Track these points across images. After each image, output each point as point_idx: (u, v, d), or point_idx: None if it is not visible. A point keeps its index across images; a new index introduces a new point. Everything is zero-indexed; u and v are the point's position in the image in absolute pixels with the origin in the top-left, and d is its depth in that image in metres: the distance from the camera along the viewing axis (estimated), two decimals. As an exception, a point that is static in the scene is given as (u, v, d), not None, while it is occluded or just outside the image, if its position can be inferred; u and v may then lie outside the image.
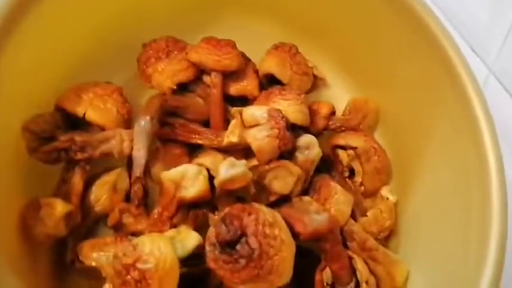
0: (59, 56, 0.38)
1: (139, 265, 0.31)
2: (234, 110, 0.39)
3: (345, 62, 0.48)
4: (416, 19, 0.39)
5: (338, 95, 0.48)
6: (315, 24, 0.46)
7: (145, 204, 0.39)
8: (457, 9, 0.57)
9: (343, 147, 0.43)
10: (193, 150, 0.42)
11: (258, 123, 0.38)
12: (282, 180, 0.38)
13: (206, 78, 0.42)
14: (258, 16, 0.46)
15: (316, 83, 0.47)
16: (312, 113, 0.43)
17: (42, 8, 0.34)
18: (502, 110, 0.49)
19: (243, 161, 0.36)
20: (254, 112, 0.38)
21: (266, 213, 0.35)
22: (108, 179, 0.38)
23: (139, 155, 0.36)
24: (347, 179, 0.44)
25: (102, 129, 0.37)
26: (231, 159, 0.35)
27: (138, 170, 0.36)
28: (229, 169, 0.35)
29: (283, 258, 0.34)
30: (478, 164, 0.38)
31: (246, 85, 0.42)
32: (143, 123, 0.37)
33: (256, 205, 0.36)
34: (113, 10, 0.40)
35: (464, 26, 0.56)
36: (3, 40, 0.32)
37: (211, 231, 0.35)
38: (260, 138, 0.36)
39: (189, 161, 0.40)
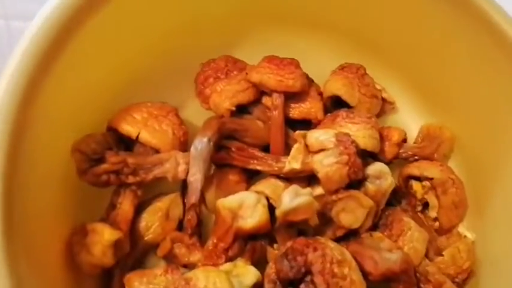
0: (111, 74, 0.36)
1: (192, 303, 0.28)
2: (297, 133, 0.35)
3: (415, 84, 0.44)
4: (498, 33, 0.35)
5: (409, 120, 0.44)
6: (382, 42, 0.43)
7: (199, 233, 0.36)
8: None
9: (417, 178, 0.39)
10: (250, 177, 0.38)
11: (324, 148, 0.34)
12: (350, 213, 0.34)
13: (266, 100, 0.39)
14: (320, 36, 0.43)
15: (384, 106, 0.43)
16: (382, 139, 0.39)
17: (95, 26, 0.32)
18: None
19: (309, 189, 0.32)
20: (320, 136, 0.35)
21: (333, 249, 0.31)
22: (160, 205, 0.35)
23: (195, 180, 0.33)
24: (420, 214, 0.40)
25: (156, 151, 0.35)
26: (295, 187, 0.32)
27: (193, 197, 0.33)
28: (293, 198, 0.31)
29: (353, 302, 0.30)
30: None
31: (310, 108, 0.39)
32: (200, 147, 0.34)
33: (322, 239, 0.32)
34: (169, 28, 0.38)
35: None
36: (55, 59, 0.30)
37: (271, 267, 0.32)
38: (328, 165, 0.33)
39: (247, 188, 0.36)
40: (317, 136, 0.35)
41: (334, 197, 0.34)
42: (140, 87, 0.38)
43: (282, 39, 0.42)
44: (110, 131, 0.35)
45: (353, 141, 0.34)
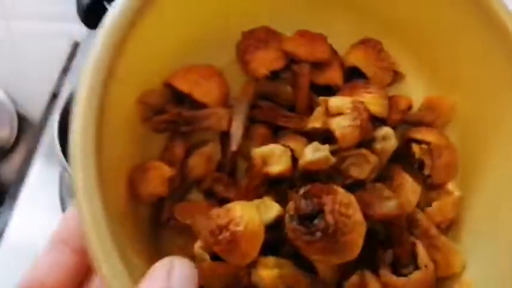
0: (168, 42, 0.43)
1: (231, 227, 0.37)
2: (320, 98, 0.43)
3: (424, 60, 0.50)
4: (497, 27, 0.42)
5: (415, 91, 0.51)
6: (396, 20, 0.49)
7: (235, 175, 0.44)
8: None
9: (417, 141, 0.46)
10: (276, 131, 0.46)
11: (342, 113, 0.42)
12: (359, 167, 0.42)
13: (295, 67, 0.46)
14: (342, 12, 0.49)
15: (395, 78, 0.50)
16: (390, 106, 0.47)
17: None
18: None
19: (327, 146, 0.40)
20: (339, 102, 0.42)
21: (343, 194, 0.39)
22: (205, 149, 0.43)
23: (237, 132, 0.41)
24: (416, 170, 0.47)
25: (204, 106, 0.42)
26: (316, 143, 0.40)
27: (234, 145, 0.41)
28: (314, 152, 0.39)
29: (355, 237, 0.38)
30: None
31: (332, 76, 0.46)
32: (242, 105, 0.42)
33: (334, 186, 0.40)
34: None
35: None
36: (129, 30, 0.37)
37: (291, 205, 0.40)
38: (343, 126, 0.40)
39: (274, 141, 0.44)
40: (336, 102, 0.42)
41: (346, 153, 0.42)
42: (190, 53, 0.45)
43: (310, 15, 0.49)
44: (167, 87, 0.43)
45: (366, 108, 0.41)
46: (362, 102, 0.41)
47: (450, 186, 0.47)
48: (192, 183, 0.43)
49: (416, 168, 0.48)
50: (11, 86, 0.76)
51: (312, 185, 0.40)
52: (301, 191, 0.40)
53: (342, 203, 0.38)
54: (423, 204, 0.46)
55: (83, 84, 0.35)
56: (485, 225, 0.45)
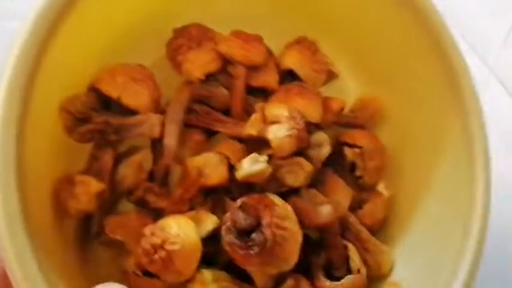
0: (92, 41, 0.39)
1: (167, 246, 0.35)
2: (257, 106, 0.41)
3: (356, 58, 0.50)
4: (425, 24, 0.42)
5: (348, 89, 0.51)
6: (330, 18, 0.48)
7: (167, 183, 0.42)
8: (457, 7, 0.59)
9: (349, 145, 0.47)
10: (210, 136, 0.45)
11: (278, 121, 0.41)
12: (294, 175, 0.41)
13: (231, 69, 0.44)
14: (278, 8, 0.48)
15: (328, 77, 0.50)
16: (323, 108, 0.46)
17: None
18: (502, 110, 0.52)
19: (265, 157, 0.39)
20: (276, 111, 0.41)
21: (280, 205, 0.39)
22: (135, 158, 0.40)
23: (171, 143, 0.39)
24: (348, 173, 0.48)
25: (134, 112, 0.40)
26: (254, 155, 0.39)
27: (169, 157, 0.39)
28: (252, 165, 0.38)
29: (292, 248, 0.38)
30: (466, 171, 0.42)
31: (267, 78, 0.45)
32: (176, 112, 0.39)
33: (270, 197, 0.39)
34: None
35: (465, 25, 0.58)
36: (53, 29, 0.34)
37: (228, 217, 0.39)
38: (280, 137, 0.39)
39: (209, 148, 0.43)
40: (273, 110, 0.41)
41: (281, 162, 0.41)
42: (117, 49, 0.42)
43: (244, 11, 0.47)
44: (92, 91, 0.40)
45: (302, 117, 0.41)
46: (299, 112, 0.40)
47: (380, 187, 0.48)
48: (122, 194, 0.41)
49: (347, 170, 0.48)
50: None
51: (248, 197, 0.39)
52: (238, 202, 0.39)
53: (279, 216, 0.38)
54: (354, 204, 0.47)
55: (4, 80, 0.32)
56: (413, 224, 0.46)
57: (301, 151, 0.42)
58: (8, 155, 0.32)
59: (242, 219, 0.38)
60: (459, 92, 0.42)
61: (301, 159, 0.41)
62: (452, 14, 0.58)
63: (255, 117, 0.41)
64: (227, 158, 0.41)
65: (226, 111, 0.45)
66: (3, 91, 0.32)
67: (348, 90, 0.51)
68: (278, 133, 0.40)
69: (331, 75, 0.49)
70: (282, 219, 0.38)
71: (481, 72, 0.56)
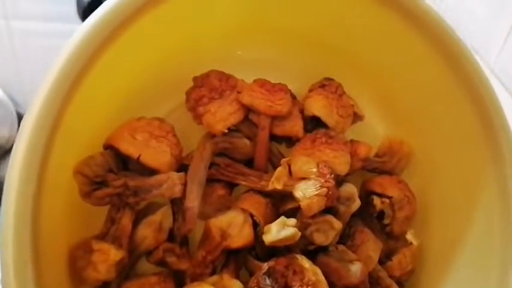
0: (110, 96, 0.37)
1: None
2: (283, 160, 0.39)
3: (382, 98, 0.48)
4: (456, 65, 0.40)
5: (374, 130, 0.49)
6: (355, 57, 0.46)
7: (187, 242, 0.40)
8: (457, 7, 0.57)
9: (378, 193, 0.44)
10: (233, 187, 0.42)
11: (306, 177, 0.38)
12: (323, 233, 0.39)
13: (253, 117, 0.41)
14: (297, 47, 0.45)
15: (354, 118, 0.47)
16: (351, 154, 0.44)
17: (109, 56, 0.33)
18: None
19: (294, 222, 0.37)
20: (303, 166, 0.39)
21: (309, 270, 0.37)
22: (154, 218, 0.38)
23: (193, 206, 0.37)
24: (376, 221, 0.46)
25: (154, 170, 0.37)
26: (283, 219, 0.36)
27: (191, 222, 0.37)
28: (280, 230, 0.36)
29: (323, 313, 0.36)
30: (501, 217, 0.40)
31: (292, 126, 0.42)
32: (198, 170, 0.37)
33: (299, 259, 0.37)
34: (168, 46, 0.39)
35: (465, 25, 0.56)
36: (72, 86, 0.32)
37: (254, 282, 0.37)
38: (309, 197, 0.37)
39: (231, 202, 0.40)
40: (300, 165, 0.39)
41: (310, 220, 0.39)
42: (135, 101, 0.39)
43: (265, 52, 0.44)
44: (108, 149, 0.37)
45: (332, 173, 0.38)
46: (328, 167, 0.38)
47: (409, 236, 0.46)
48: (141, 254, 0.39)
49: (375, 218, 0.46)
50: (11, 86, 0.75)
51: (276, 260, 0.37)
52: (265, 267, 0.37)
53: (309, 283, 0.36)
54: (382, 253, 0.45)
55: (19, 152, 0.30)
56: (442, 278, 0.44)
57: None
58: (23, 221, 0.31)
59: (270, 286, 0.35)
60: (495, 139, 0.40)
61: (331, 218, 0.39)
62: (453, 14, 0.56)
63: (280, 171, 0.39)
64: (251, 215, 0.39)
65: (249, 161, 0.42)
66: (22, 154, 0.30)
67: (373, 131, 0.49)
68: (307, 192, 0.37)
69: (356, 118, 0.47)
70: (313, 286, 0.36)
71: None
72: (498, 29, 0.52)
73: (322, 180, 0.38)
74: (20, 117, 0.79)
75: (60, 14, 0.72)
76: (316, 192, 0.37)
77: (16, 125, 0.78)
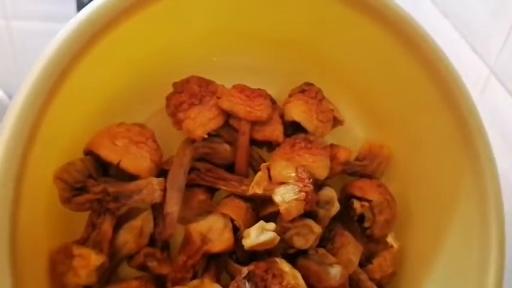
0: (89, 102, 0.37)
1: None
2: (262, 165, 0.40)
3: (361, 102, 0.48)
4: (433, 71, 0.40)
5: (354, 134, 0.49)
6: (334, 62, 0.46)
7: (168, 247, 0.40)
8: (458, 7, 0.57)
9: (358, 197, 0.45)
10: (212, 191, 0.43)
11: (285, 181, 0.39)
12: (303, 237, 0.40)
13: (233, 122, 0.42)
14: (277, 51, 0.46)
15: (334, 123, 0.48)
16: (331, 158, 0.44)
17: (87, 62, 0.33)
18: (503, 110, 0.51)
19: (272, 226, 0.37)
20: (282, 170, 0.39)
21: (289, 273, 0.37)
22: (135, 223, 0.38)
23: (173, 211, 0.37)
24: (356, 224, 0.46)
25: (134, 175, 0.38)
26: (262, 224, 0.37)
27: (172, 227, 0.37)
28: (259, 235, 0.36)
29: (301, 316, 0.36)
30: (479, 220, 0.41)
31: (272, 131, 0.43)
32: (177, 175, 0.37)
33: (278, 263, 0.38)
34: (147, 52, 0.39)
35: (465, 25, 0.56)
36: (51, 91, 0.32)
37: (233, 286, 0.37)
38: (288, 201, 0.37)
39: (212, 207, 0.41)
40: (279, 170, 0.39)
41: (289, 224, 0.39)
42: (114, 107, 0.40)
43: (246, 58, 0.45)
44: (88, 154, 0.37)
45: (311, 178, 0.39)
46: (307, 172, 0.38)
47: (389, 238, 0.46)
48: (122, 259, 0.39)
49: (355, 221, 0.46)
50: (11, 86, 0.74)
51: (255, 265, 0.37)
52: (245, 271, 0.37)
53: (288, 286, 0.36)
54: (362, 257, 0.45)
55: None
56: (423, 279, 0.45)
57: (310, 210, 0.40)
58: (1, 227, 0.31)
59: (249, 289, 0.36)
60: (472, 143, 0.41)
61: (311, 222, 0.39)
62: (453, 14, 0.57)
63: (260, 176, 0.40)
64: (232, 219, 0.39)
65: (229, 166, 0.43)
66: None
67: (353, 135, 0.49)
68: (285, 196, 0.38)
69: (336, 122, 0.47)
70: (292, 289, 0.36)
71: (481, 72, 0.54)
72: (498, 29, 0.52)
73: (301, 185, 0.38)
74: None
75: (60, 14, 0.72)
76: (295, 197, 0.38)
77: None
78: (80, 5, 0.70)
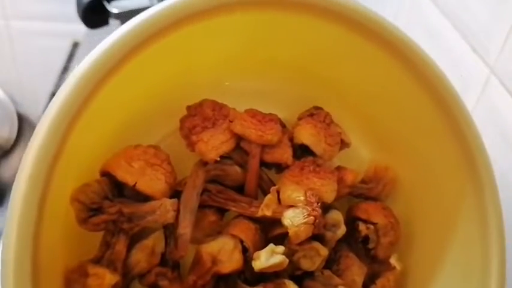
0: (110, 123, 0.39)
1: None
2: (272, 188, 0.41)
3: (368, 124, 0.50)
4: (438, 98, 0.42)
5: (360, 155, 0.50)
6: (342, 86, 0.47)
7: (179, 266, 0.41)
8: (458, 7, 0.58)
9: (363, 219, 0.46)
10: (222, 212, 0.44)
11: (294, 205, 0.40)
12: (309, 259, 0.41)
13: (244, 144, 0.43)
14: (286, 76, 0.47)
15: (341, 145, 0.49)
16: (337, 180, 0.46)
17: (108, 89, 0.35)
18: (503, 110, 0.52)
19: (282, 249, 0.38)
20: (291, 194, 0.40)
21: (297, 295, 0.38)
22: (147, 243, 0.40)
23: (186, 233, 0.38)
24: (361, 245, 0.47)
25: (149, 197, 0.39)
26: (272, 247, 0.38)
27: (183, 249, 0.38)
28: (269, 258, 0.37)
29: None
30: (480, 245, 0.42)
31: (281, 154, 0.44)
32: (190, 200, 0.39)
33: (286, 285, 0.39)
34: (163, 78, 0.40)
35: (465, 25, 0.57)
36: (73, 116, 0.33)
37: (242, 306, 0.38)
38: (297, 225, 0.38)
39: (222, 228, 0.42)
40: (289, 193, 0.40)
41: (297, 247, 0.40)
42: (130, 127, 0.41)
43: (256, 82, 0.46)
44: (104, 175, 0.39)
45: (319, 202, 0.40)
46: (316, 196, 0.40)
47: (392, 259, 0.47)
48: (134, 278, 0.40)
49: (360, 242, 0.47)
50: (11, 86, 0.76)
51: (264, 285, 0.38)
52: (253, 291, 0.38)
53: (296, 308, 0.37)
54: (366, 277, 0.47)
55: (21, 179, 0.32)
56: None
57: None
58: (24, 247, 0.32)
59: (258, 311, 0.37)
60: (475, 169, 0.42)
61: (317, 245, 0.40)
62: (453, 14, 0.57)
63: (269, 198, 0.41)
64: (241, 240, 0.40)
65: (240, 187, 0.44)
66: (24, 184, 0.32)
67: (359, 157, 0.51)
68: (295, 220, 0.39)
69: (343, 145, 0.49)
70: (299, 311, 0.37)
71: (481, 72, 0.54)
72: (498, 29, 0.52)
73: (310, 209, 0.39)
74: (20, 117, 0.81)
75: (60, 14, 0.73)
76: (304, 221, 0.39)
77: (16, 125, 0.80)
78: (80, 5, 0.70)
